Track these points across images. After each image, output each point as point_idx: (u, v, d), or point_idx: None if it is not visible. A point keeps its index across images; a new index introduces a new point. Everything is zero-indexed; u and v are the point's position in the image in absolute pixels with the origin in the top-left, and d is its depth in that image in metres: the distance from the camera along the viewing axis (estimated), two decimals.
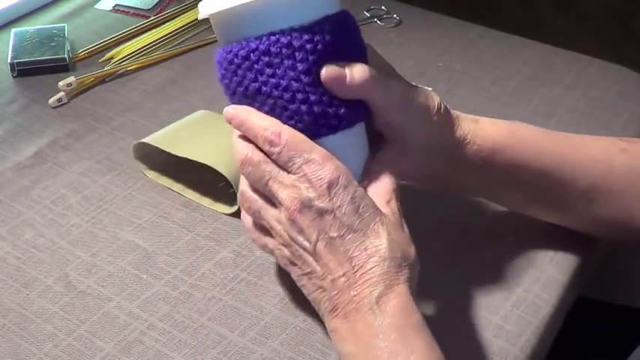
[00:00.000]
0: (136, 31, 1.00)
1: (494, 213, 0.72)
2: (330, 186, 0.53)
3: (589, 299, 0.76)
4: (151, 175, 0.77)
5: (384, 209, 0.55)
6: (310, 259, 0.54)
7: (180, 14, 1.04)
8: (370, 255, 0.52)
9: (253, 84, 0.56)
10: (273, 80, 0.55)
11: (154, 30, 1.01)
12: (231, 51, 0.57)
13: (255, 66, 0.55)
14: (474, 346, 0.60)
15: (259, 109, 0.57)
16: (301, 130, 0.55)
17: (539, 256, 0.68)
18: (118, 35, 0.99)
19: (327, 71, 0.55)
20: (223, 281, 0.66)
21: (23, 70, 0.92)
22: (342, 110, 0.56)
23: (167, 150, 0.73)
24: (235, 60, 0.56)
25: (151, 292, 0.65)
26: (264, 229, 0.59)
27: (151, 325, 0.62)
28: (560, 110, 0.88)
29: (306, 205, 0.53)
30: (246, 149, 0.56)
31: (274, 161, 0.55)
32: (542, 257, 0.68)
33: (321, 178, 0.53)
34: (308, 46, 0.55)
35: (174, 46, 0.99)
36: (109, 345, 0.61)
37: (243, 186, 0.59)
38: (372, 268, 0.52)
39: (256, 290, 0.65)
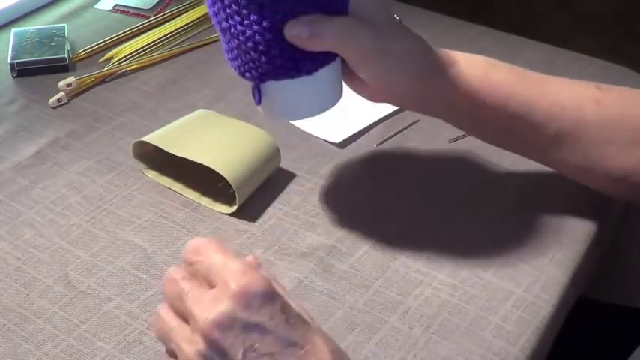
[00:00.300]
0: (136, 31, 1.00)
1: (493, 213, 0.72)
2: (254, 297, 0.46)
3: (589, 299, 0.76)
4: (151, 175, 0.77)
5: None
6: None
7: (180, 14, 1.04)
8: None
9: (224, 22, 0.58)
10: (240, 27, 0.57)
11: (153, 30, 1.01)
12: None
13: (227, 10, 0.57)
14: (474, 346, 0.60)
15: (227, 42, 0.60)
16: (260, 75, 0.59)
17: (539, 256, 0.68)
18: (118, 35, 0.99)
19: (288, 29, 0.56)
20: None
21: (23, 70, 0.92)
22: (304, 62, 0.58)
23: (166, 149, 0.73)
24: None
25: (151, 292, 0.65)
26: (173, 355, 0.50)
27: (151, 325, 0.62)
28: None
29: (229, 319, 0.45)
30: (172, 270, 0.50)
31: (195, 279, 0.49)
32: (542, 257, 0.68)
33: (245, 290, 0.46)
34: (275, 7, 0.56)
35: (174, 46, 0.99)
36: (109, 345, 0.61)
37: (161, 305, 0.50)
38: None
39: None
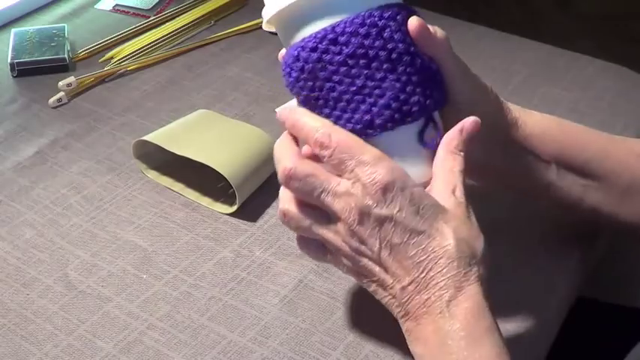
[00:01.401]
0: (135, 31, 1.00)
1: (493, 213, 0.72)
2: (386, 190, 0.50)
3: (589, 299, 0.76)
4: (151, 174, 0.77)
5: (449, 201, 0.52)
6: (377, 268, 0.52)
7: (180, 14, 1.04)
8: (437, 257, 0.50)
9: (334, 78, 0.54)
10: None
11: (153, 30, 1.01)
12: (315, 38, 0.55)
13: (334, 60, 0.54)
14: None
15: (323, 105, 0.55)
16: (365, 124, 0.54)
17: (539, 256, 0.68)
18: (118, 35, 0.99)
19: (413, 21, 0.55)
20: (223, 281, 0.66)
21: (23, 70, 0.92)
22: (415, 98, 0.55)
23: (167, 148, 0.73)
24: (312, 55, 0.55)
25: (151, 292, 0.65)
26: (321, 245, 0.55)
27: (151, 325, 0.62)
28: (560, 110, 0.87)
29: (364, 214, 0.51)
30: (290, 163, 0.53)
31: (322, 173, 0.52)
32: (543, 257, 0.68)
33: (376, 183, 0.50)
34: (392, 25, 0.54)
35: (174, 46, 0.99)
36: (109, 345, 0.61)
37: (285, 204, 0.55)
38: (440, 270, 0.50)
39: (256, 290, 0.65)
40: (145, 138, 0.75)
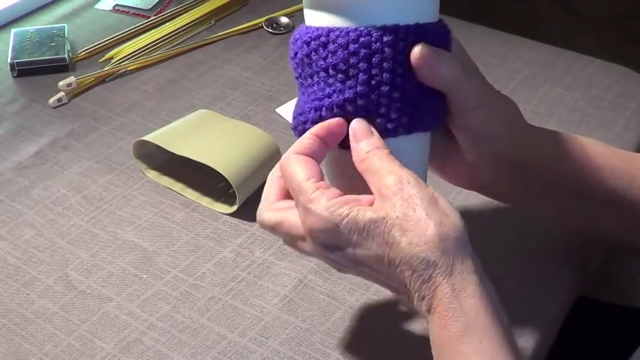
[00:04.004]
0: (135, 31, 1.00)
1: (494, 213, 0.72)
2: (331, 239, 0.50)
3: (589, 299, 0.76)
4: (151, 174, 0.77)
5: (384, 205, 0.49)
6: (383, 285, 0.52)
7: (180, 14, 1.04)
8: (403, 271, 0.48)
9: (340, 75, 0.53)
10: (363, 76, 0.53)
11: (153, 30, 1.01)
12: (312, 34, 0.54)
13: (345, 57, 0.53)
14: None
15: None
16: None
17: (539, 256, 0.68)
18: (118, 35, 0.99)
19: (419, 51, 0.53)
20: (223, 281, 0.66)
21: (23, 70, 0.92)
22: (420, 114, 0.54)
23: (167, 148, 0.73)
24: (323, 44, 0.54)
25: (151, 292, 0.65)
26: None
27: (150, 325, 0.62)
28: (560, 110, 0.88)
29: (329, 260, 0.52)
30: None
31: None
32: (543, 257, 0.68)
33: (310, 230, 0.51)
34: (387, 51, 0.52)
35: (174, 46, 0.99)
36: (109, 345, 0.61)
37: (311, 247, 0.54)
38: (410, 282, 0.48)
39: (256, 290, 0.65)
40: (145, 138, 0.75)
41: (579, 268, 0.69)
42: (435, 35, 0.54)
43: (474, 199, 0.74)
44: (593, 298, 0.78)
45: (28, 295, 0.65)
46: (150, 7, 1.07)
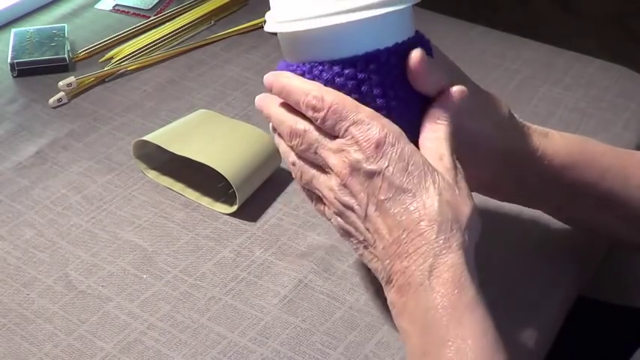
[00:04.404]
0: (135, 31, 1.00)
1: (494, 214, 0.72)
2: (378, 145, 0.50)
3: (589, 299, 0.76)
4: (151, 174, 0.77)
5: (438, 165, 0.51)
6: (362, 226, 0.52)
7: (180, 14, 1.04)
8: (419, 218, 0.49)
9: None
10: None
11: (153, 30, 1.01)
12: (295, 71, 0.55)
13: None
14: None
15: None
16: None
17: (539, 256, 0.68)
18: (118, 35, 0.99)
19: (418, 57, 0.53)
20: (223, 281, 0.66)
21: (23, 70, 0.92)
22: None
23: (167, 148, 0.73)
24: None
25: (151, 292, 0.65)
26: (319, 199, 0.56)
27: (151, 325, 0.62)
28: (560, 110, 0.88)
29: (355, 169, 0.51)
30: (290, 120, 0.54)
31: (319, 127, 0.53)
32: (543, 257, 0.68)
33: (368, 139, 0.50)
34: (374, 77, 0.52)
35: (174, 46, 0.99)
36: (109, 345, 0.61)
37: (293, 157, 0.56)
38: (421, 233, 0.49)
39: (256, 290, 0.65)
40: (145, 138, 0.75)
41: (579, 268, 0.69)
42: (415, 48, 0.54)
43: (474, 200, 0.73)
44: (593, 298, 0.78)
45: (28, 295, 0.65)
46: (150, 7, 1.07)
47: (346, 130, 0.51)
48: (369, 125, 0.51)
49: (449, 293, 0.47)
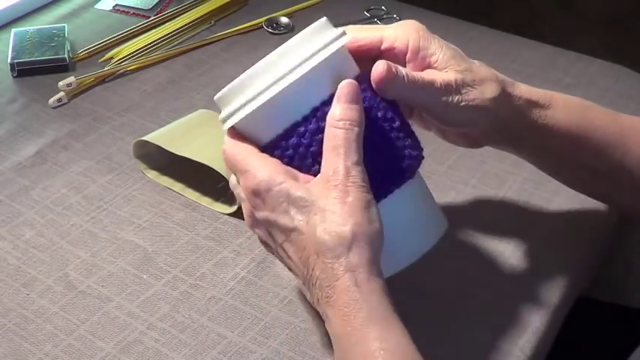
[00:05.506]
0: (136, 31, 1.00)
1: (494, 214, 0.72)
2: (255, 194, 0.52)
3: (589, 299, 0.76)
4: (151, 174, 0.77)
5: (326, 185, 0.51)
6: (287, 265, 0.55)
7: (180, 14, 1.04)
8: (308, 254, 0.50)
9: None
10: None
11: (153, 30, 1.01)
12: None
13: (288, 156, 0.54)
14: (474, 346, 0.60)
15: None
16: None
17: (539, 256, 0.68)
18: (118, 35, 0.99)
19: (381, 67, 0.53)
20: (223, 281, 0.66)
21: (23, 70, 0.92)
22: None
23: (167, 148, 0.73)
24: None
25: (151, 292, 0.65)
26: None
27: (151, 325, 0.62)
28: None
29: (253, 219, 0.55)
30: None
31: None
32: (543, 257, 0.68)
33: (247, 188, 0.53)
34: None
35: (174, 46, 0.99)
36: (109, 345, 0.61)
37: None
38: (314, 267, 0.50)
39: (256, 290, 0.65)
40: (145, 138, 0.75)
41: (579, 268, 0.69)
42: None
43: (474, 201, 0.74)
44: (593, 298, 0.78)
45: (28, 295, 0.65)
46: (150, 7, 1.07)
47: (239, 181, 0.54)
48: (247, 174, 0.53)
49: (342, 321, 0.48)
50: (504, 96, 0.59)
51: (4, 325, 0.62)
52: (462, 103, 0.57)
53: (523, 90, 0.60)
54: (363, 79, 0.55)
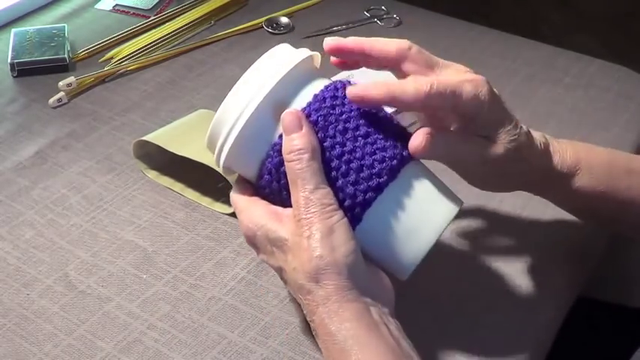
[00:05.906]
0: (136, 31, 1.00)
1: (494, 213, 0.72)
2: (248, 240, 0.56)
3: (589, 299, 0.76)
4: (151, 174, 0.77)
5: (291, 222, 0.52)
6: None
7: (180, 14, 1.04)
8: (294, 290, 0.53)
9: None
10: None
11: (153, 30, 1.01)
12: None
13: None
14: (475, 346, 0.60)
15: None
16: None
17: (539, 256, 0.68)
18: (118, 35, 0.99)
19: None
20: (223, 281, 0.66)
21: (23, 70, 0.92)
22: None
23: (167, 148, 0.73)
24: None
25: (151, 292, 0.65)
26: None
27: (151, 325, 0.62)
28: (560, 110, 0.88)
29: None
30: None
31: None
32: (543, 257, 0.68)
33: (244, 235, 0.56)
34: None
35: (174, 46, 0.99)
36: (109, 345, 0.61)
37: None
38: (301, 300, 0.52)
39: (256, 290, 0.65)
40: (145, 138, 0.75)
41: (579, 269, 0.69)
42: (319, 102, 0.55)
43: (474, 202, 0.74)
44: (593, 298, 0.78)
45: (28, 295, 0.65)
46: (150, 7, 1.07)
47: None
48: (239, 221, 0.56)
49: (325, 350, 0.50)
50: (543, 149, 0.59)
51: (4, 325, 0.62)
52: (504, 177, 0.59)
53: (556, 160, 0.60)
54: (331, 90, 0.54)
